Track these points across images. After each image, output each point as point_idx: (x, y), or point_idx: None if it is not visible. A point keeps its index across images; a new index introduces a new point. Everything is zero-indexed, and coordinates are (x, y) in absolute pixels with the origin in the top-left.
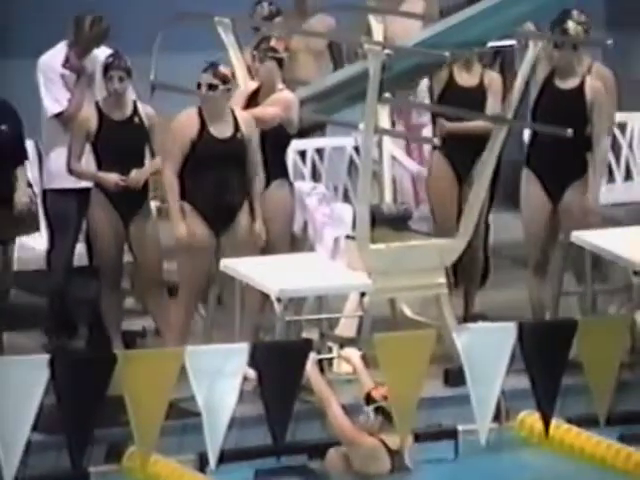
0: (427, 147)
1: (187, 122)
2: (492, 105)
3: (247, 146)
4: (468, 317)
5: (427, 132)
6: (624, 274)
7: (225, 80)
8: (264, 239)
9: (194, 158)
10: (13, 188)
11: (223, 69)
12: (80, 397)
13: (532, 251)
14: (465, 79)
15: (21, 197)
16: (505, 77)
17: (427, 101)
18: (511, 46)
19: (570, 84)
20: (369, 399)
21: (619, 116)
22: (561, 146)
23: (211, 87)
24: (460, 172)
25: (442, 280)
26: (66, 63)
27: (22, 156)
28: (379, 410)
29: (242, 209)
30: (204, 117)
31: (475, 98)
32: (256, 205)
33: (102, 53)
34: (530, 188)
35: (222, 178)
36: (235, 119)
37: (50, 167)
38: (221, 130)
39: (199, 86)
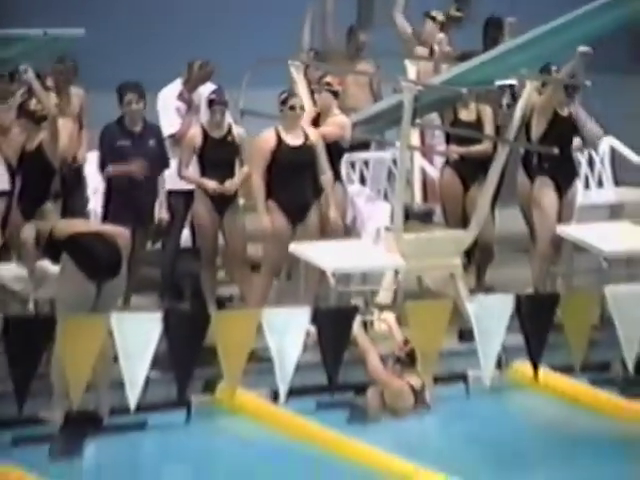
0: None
1: (267, 138)
2: (489, 131)
3: (315, 150)
4: (480, 289)
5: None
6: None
7: (302, 105)
8: (340, 224)
9: (275, 165)
10: (156, 196)
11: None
12: (185, 344)
13: (545, 242)
14: (466, 115)
15: (161, 212)
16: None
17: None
18: (513, 85)
19: (565, 112)
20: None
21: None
22: (565, 157)
23: (292, 108)
24: (466, 182)
25: (458, 262)
26: (179, 96)
27: (164, 164)
28: (398, 360)
29: (313, 205)
30: (280, 133)
31: (476, 128)
32: (330, 196)
33: (206, 88)
34: (546, 191)
35: (298, 181)
36: (304, 132)
37: (165, 174)
38: (294, 140)
39: (284, 107)
